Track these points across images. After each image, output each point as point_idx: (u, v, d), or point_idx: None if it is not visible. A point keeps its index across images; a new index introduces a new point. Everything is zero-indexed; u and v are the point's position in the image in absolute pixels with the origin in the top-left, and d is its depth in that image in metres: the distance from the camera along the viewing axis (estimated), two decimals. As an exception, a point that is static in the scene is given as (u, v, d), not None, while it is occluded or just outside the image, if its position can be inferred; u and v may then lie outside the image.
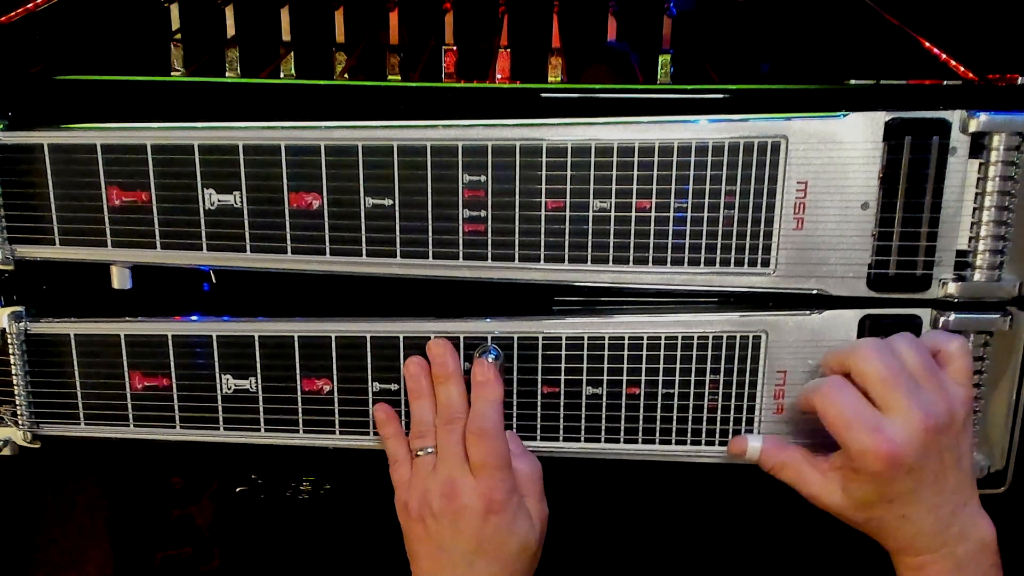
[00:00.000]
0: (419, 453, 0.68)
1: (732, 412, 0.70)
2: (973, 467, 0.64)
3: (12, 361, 0.72)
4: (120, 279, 0.71)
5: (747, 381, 0.70)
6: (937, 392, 0.61)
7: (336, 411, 0.72)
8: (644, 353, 0.69)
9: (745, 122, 0.65)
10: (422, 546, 0.67)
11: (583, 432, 0.71)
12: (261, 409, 0.72)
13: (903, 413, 0.60)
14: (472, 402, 0.67)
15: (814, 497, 0.65)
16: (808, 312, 0.69)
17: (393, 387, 0.71)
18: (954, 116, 0.65)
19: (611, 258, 0.67)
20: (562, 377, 0.70)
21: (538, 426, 0.71)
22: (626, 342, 0.69)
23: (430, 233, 0.67)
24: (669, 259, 0.67)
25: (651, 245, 0.67)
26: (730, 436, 0.70)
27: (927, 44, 0.78)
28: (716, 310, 0.70)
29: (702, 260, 0.67)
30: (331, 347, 0.70)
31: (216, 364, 0.71)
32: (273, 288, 0.72)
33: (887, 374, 0.60)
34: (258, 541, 0.98)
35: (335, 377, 0.71)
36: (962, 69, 0.73)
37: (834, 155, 0.65)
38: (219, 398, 0.72)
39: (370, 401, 0.71)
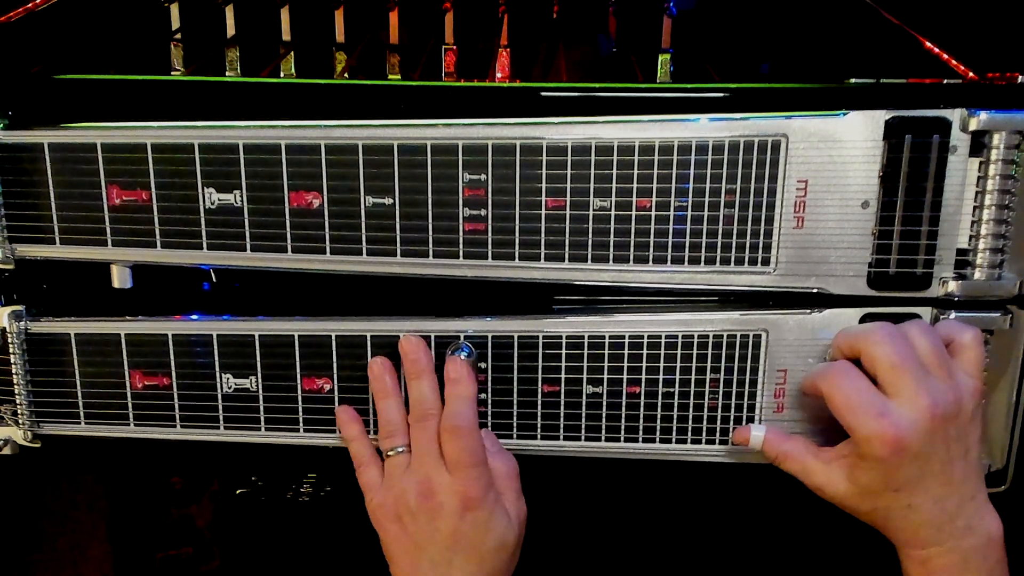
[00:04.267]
0: (390, 453, 0.68)
1: (732, 411, 0.70)
2: (981, 460, 0.64)
3: (12, 360, 0.72)
4: (120, 278, 0.71)
5: (747, 380, 0.70)
6: (947, 381, 0.61)
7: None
8: (644, 352, 0.69)
9: (745, 121, 0.65)
10: (399, 546, 0.67)
11: (583, 431, 0.71)
12: (261, 408, 0.72)
13: (910, 399, 0.59)
14: (446, 399, 0.67)
15: (819, 487, 0.65)
16: (808, 311, 0.69)
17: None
18: (954, 115, 0.65)
19: (611, 257, 0.67)
20: (562, 376, 0.70)
21: (538, 425, 0.71)
22: (626, 341, 0.69)
23: (430, 232, 0.67)
24: (669, 258, 0.67)
25: (651, 244, 0.67)
26: (730, 435, 0.70)
27: (927, 43, 0.78)
28: (716, 309, 0.70)
29: (702, 259, 0.67)
30: (331, 346, 0.70)
31: (216, 363, 0.71)
32: (273, 287, 0.72)
33: (897, 359, 0.60)
34: (258, 541, 0.98)
35: (335, 376, 0.71)
36: (962, 68, 0.73)
37: (834, 154, 0.65)
38: (219, 397, 0.72)
39: (370, 401, 0.71)
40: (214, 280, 0.73)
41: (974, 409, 0.62)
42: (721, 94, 0.66)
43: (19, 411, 0.73)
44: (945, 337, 0.63)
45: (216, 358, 0.71)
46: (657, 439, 0.71)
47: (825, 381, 0.62)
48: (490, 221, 0.67)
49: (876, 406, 0.60)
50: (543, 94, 0.67)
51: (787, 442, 0.67)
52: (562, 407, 0.71)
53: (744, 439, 0.68)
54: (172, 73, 0.83)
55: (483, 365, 0.70)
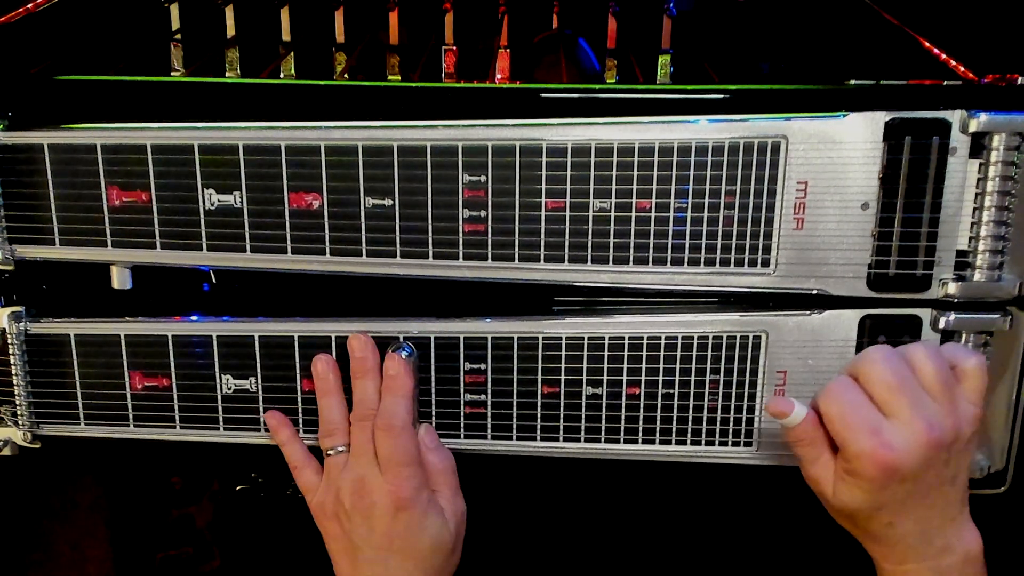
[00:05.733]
0: (330, 452, 0.68)
1: (732, 412, 0.70)
2: (967, 483, 0.63)
3: (12, 361, 0.72)
4: (120, 279, 0.71)
5: (747, 381, 0.70)
6: (947, 407, 0.59)
7: (336, 411, 0.72)
8: (644, 353, 0.69)
9: (745, 122, 0.65)
10: (338, 545, 0.67)
11: (583, 432, 0.71)
12: (261, 409, 0.72)
13: (906, 422, 0.58)
14: (382, 397, 0.67)
15: (815, 480, 0.63)
16: (808, 312, 0.69)
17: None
18: (954, 116, 0.65)
19: (611, 258, 0.67)
20: (562, 377, 0.70)
21: (538, 426, 0.71)
22: (626, 342, 0.69)
23: (430, 233, 0.67)
24: (669, 259, 0.67)
25: (651, 245, 0.67)
26: (730, 436, 0.70)
27: (927, 44, 0.78)
28: (716, 310, 0.70)
29: (702, 260, 0.67)
30: (331, 347, 0.70)
31: (216, 364, 0.71)
32: (273, 288, 0.72)
33: (892, 380, 0.59)
34: (258, 541, 0.98)
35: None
36: (962, 69, 0.73)
37: (834, 155, 0.65)
38: (219, 398, 0.72)
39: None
40: (214, 281, 0.73)
41: (971, 437, 0.61)
42: (721, 95, 0.66)
43: (19, 412, 0.73)
44: (949, 360, 0.61)
45: (216, 359, 0.71)
46: (657, 440, 0.71)
47: (823, 396, 0.61)
48: (490, 222, 0.67)
49: (870, 423, 0.58)
50: (543, 95, 0.67)
51: (819, 429, 0.62)
52: (562, 408, 0.71)
53: (782, 412, 0.62)
54: (172, 73, 0.83)
55: (483, 366, 0.70)
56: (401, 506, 0.65)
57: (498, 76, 0.78)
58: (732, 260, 0.67)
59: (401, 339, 0.70)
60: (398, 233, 0.68)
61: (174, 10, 0.85)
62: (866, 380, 0.60)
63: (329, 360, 0.69)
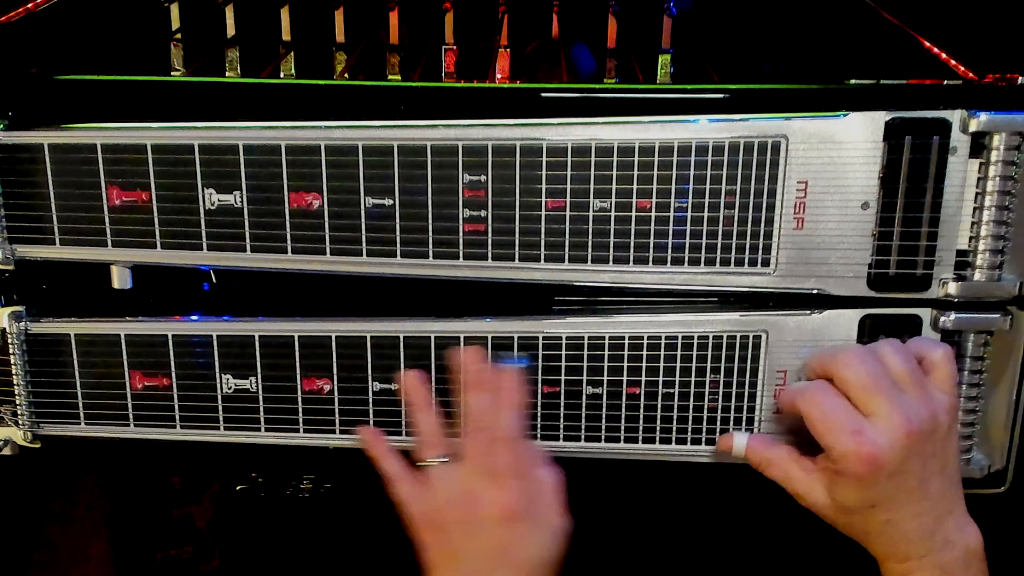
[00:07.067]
0: (431, 462, 0.68)
1: (732, 412, 0.70)
2: (959, 474, 0.64)
3: (12, 361, 0.72)
4: (120, 279, 0.71)
5: (747, 381, 0.70)
6: (920, 398, 0.61)
7: (336, 411, 0.72)
8: (644, 353, 0.69)
9: (745, 122, 0.65)
10: (439, 556, 0.66)
11: (583, 432, 0.71)
12: (261, 409, 0.72)
13: (885, 418, 0.60)
14: (500, 411, 0.67)
15: (799, 496, 0.65)
16: (808, 312, 0.69)
17: (393, 387, 0.71)
18: (954, 116, 0.65)
19: (611, 258, 0.67)
20: (562, 377, 0.70)
21: (538, 426, 0.71)
22: (626, 342, 0.69)
23: (430, 233, 0.67)
24: (669, 259, 0.67)
25: (651, 245, 0.67)
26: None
27: (927, 44, 0.78)
28: (716, 310, 0.70)
29: (702, 260, 0.67)
30: (331, 347, 0.70)
31: (216, 364, 0.71)
32: (273, 288, 0.72)
33: (868, 380, 0.60)
34: (258, 541, 0.98)
35: (335, 377, 0.71)
36: (962, 69, 0.73)
37: (834, 155, 0.65)
38: (219, 398, 0.72)
39: (370, 401, 0.71)
40: (214, 281, 0.73)
41: (950, 425, 0.62)
42: (721, 95, 0.66)
43: (19, 412, 0.73)
44: (916, 354, 0.63)
45: (216, 359, 0.71)
46: (657, 440, 0.71)
47: (803, 399, 0.62)
48: (490, 222, 0.67)
49: (851, 424, 0.60)
50: (543, 95, 0.67)
51: (770, 449, 0.67)
52: (562, 408, 0.71)
53: (727, 447, 0.68)
54: (172, 73, 0.83)
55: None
56: (512, 518, 0.64)
57: (498, 76, 0.78)
58: (732, 260, 0.67)
59: (515, 352, 0.69)
60: (398, 233, 0.68)
61: (174, 10, 0.85)
62: (842, 383, 0.61)
63: (421, 373, 0.70)
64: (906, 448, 0.60)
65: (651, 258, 0.67)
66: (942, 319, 0.68)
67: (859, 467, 0.60)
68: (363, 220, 0.67)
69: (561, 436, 0.71)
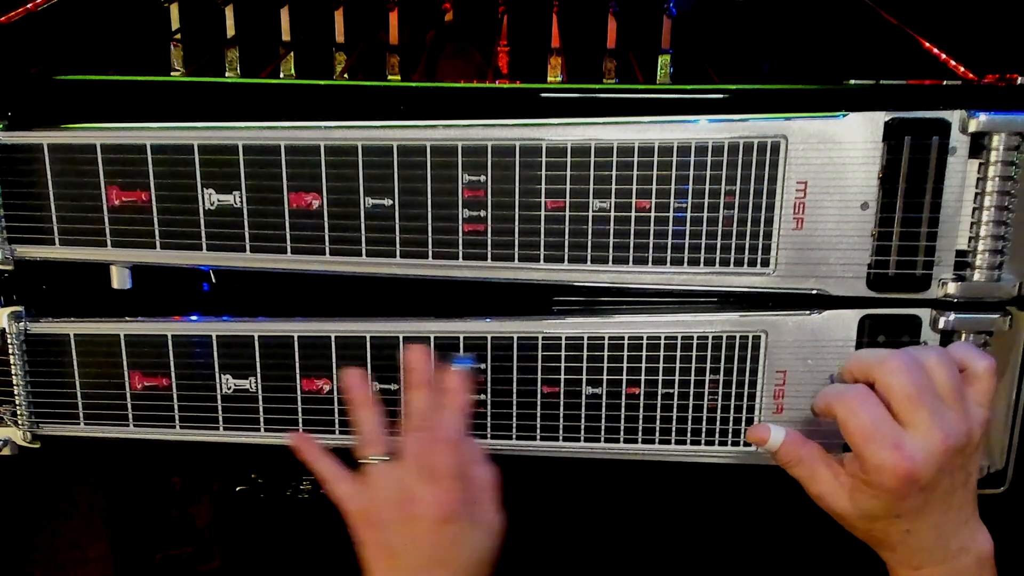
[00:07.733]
0: (371, 460, 0.68)
1: (732, 412, 0.70)
2: (976, 484, 0.63)
3: (12, 361, 0.72)
4: (120, 279, 0.71)
5: (747, 381, 0.70)
6: (959, 413, 0.60)
7: (336, 411, 0.72)
8: (644, 353, 0.69)
9: (745, 122, 0.65)
10: (376, 554, 0.66)
11: (583, 432, 0.71)
12: (261, 409, 0.72)
13: (924, 432, 0.58)
14: (442, 410, 0.67)
15: (820, 497, 0.64)
16: (808, 312, 0.69)
17: (392, 387, 0.71)
18: (954, 116, 0.65)
19: (611, 258, 0.67)
20: (562, 377, 0.70)
21: (538, 426, 0.71)
22: (626, 342, 0.69)
23: (430, 233, 0.67)
24: (669, 259, 0.67)
25: (651, 245, 0.67)
26: (730, 436, 0.70)
27: (927, 44, 0.78)
28: (716, 310, 0.70)
29: (702, 260, 0.67)
30: (331, 347, 0.70)
31: (216, 364, 0.71)
32: (273, 288, 0.72)
33: (913, 391, 0.59)
34: (258, 541, 0.98)
35: (334, 377, 0.71)
36: (962, 69, 0.73)
37: (834, 155, 0.65)
38: (219, 398, 0.72)
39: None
40: (213, 281, 0.73)
41: (980, 439, 0.61)
42: (721, 95, 0.66)
43: (19, 412, 0.73)
44: (959, 362, 0.62)
45: (215, 359, 0.71)
46: (656, 440, 0.71)
47: (842, 405, 0.60)
48: (489, 222, 0.67)
49: (891, 437, 0.58)
50: (543, 95, 0.67)
51: (803, 447, 0.64)
52: (561, 408, 0.71)
53: (761, 438, 0.64)
54: (172, 73, 0.83)
55: (483, 366, 0.70)
56: (449, 518, 0.64)
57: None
58: (732, 260, 0.67)
59: (462, 351, 0.69)
60: (398, 233, 0.68)
61: (174, 10, 0.85)
62: (885, 389, 0.60)
63: (361, 372, 0.69)
64: (941, 464, 0.59)
65: (650, 258, 0.67)
66: (941, 319, 0.68)
67: (893, 481, 0.58)
68: (363, 220, 0.67)
69: (561, 436, 0.71)
